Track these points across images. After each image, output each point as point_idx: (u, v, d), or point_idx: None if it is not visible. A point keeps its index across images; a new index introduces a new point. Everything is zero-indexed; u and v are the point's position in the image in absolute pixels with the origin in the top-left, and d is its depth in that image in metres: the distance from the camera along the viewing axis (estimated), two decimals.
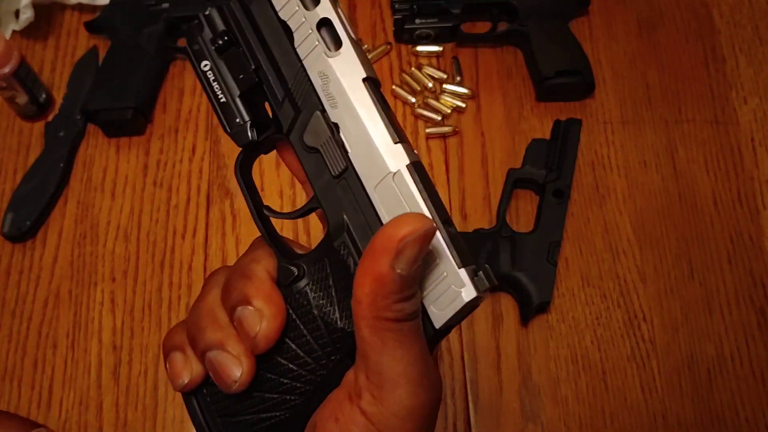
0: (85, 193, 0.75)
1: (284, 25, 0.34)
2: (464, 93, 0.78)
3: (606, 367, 0.67)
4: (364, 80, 0.32)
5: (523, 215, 0.73)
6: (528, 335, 0.68)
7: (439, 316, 0.31)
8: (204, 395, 0.35)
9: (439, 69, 0.80)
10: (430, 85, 0.78)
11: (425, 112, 0.77)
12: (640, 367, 0.67)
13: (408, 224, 0.29)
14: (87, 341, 0.69)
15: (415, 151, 0.33)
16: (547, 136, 0.75)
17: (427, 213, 0.31)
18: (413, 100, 0.78)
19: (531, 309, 0.67)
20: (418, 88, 0.79)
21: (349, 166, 0.32)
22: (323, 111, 0.33)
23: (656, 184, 0.74)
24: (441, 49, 0.80)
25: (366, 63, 0.33)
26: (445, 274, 0.30)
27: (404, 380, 0.30)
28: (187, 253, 0.72)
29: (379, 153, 0.32)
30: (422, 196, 0.31)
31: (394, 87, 0.78)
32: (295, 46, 0.33)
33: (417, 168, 0.31)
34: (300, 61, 0.33)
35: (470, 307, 0.31)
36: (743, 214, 0.73)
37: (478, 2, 0.80)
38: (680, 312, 0.69)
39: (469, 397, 0.66)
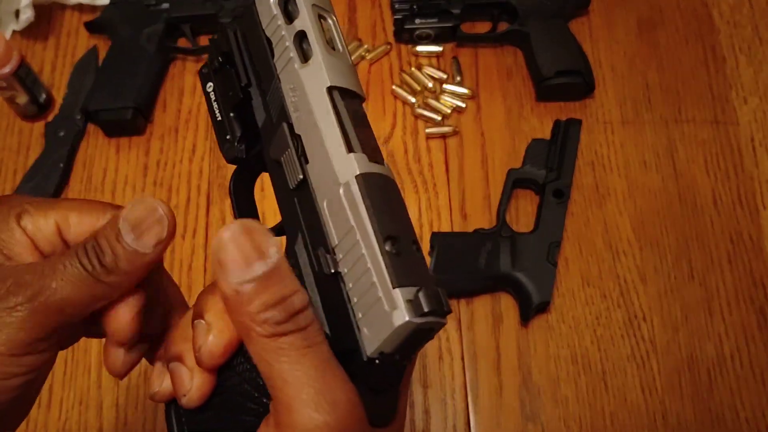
0: (85, 193, 0.75)
1: (268, 40, 0.33)
2: (464, 93, 0.78)
3: (606, 367, 0.67)
4: (328, 89, 0.31)
5: (523, 215, 0.73)
6: (528, 335, 0.68)
7: (371, 341, 0.28)
8: (179, 405, 0.35)
9: (439, 69, 0.80)
10: (430, 85, 0.78)
11: (425, 112, 0.77)
12: (640, 367, 0.67)
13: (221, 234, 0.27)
14: (87, 341, 0.69)
15: (383, 163, 0.31)
16: (547, 136, 0.76)
17: (369, 228, 0.28)
18: (413, 100, 0.78)
19: (531, 309, 0.67)
20: (418, 88, 0.79)
21: (306, 178, 0.31)
22: (290, 123, 0.32)
23: (656, 184, 0.74)
24: (441, 49, 0.80)
25: (338, 72, 0.31)
26: (380, 294, 0.28)
27: (297, 402, 0.27)
28: (187, 253, 0.72)
29: (331, 164, 0.30)
30: (366, 209, 0.28)
31: (394, 87, 0.79)
32: (274, 60, 0.33)
33: (367, 179, 0.29)
34: (276, 75, 0.33)
35: (411, 333, 0.27)
36: (743, 214, 0.73)
37: (478, 2, 0.80)
38: (680, 312, 0.69)
39: (469, 397, 0.66)
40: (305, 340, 0.28)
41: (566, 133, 0.74)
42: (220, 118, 0.35)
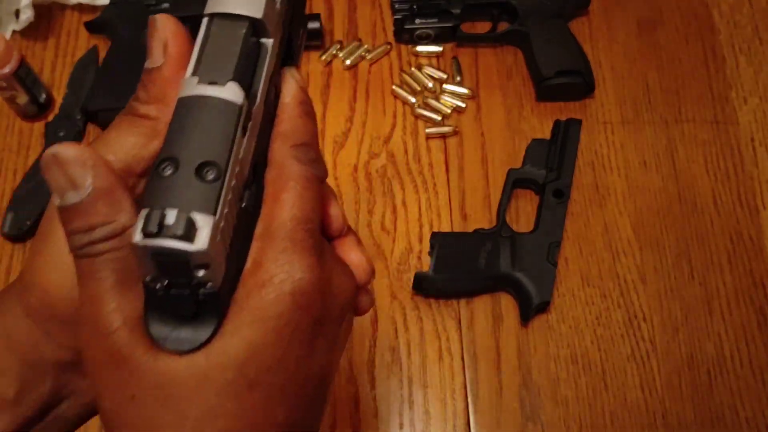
0: None
1: None
2: (464, 93, 0.78)
3: (606, 367, 0.67)
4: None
5: (523, 215, 0.73)
6: (528, 335, 0.68)
7: None
8: None
9: (439, 69, 0.80)
10: (430, 85, 0.78)
11: (425, 113, 0.77)
12: (640, 367, 0.67)
13: None
14: None
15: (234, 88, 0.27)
16: (547, 136, 0.76)
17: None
18: (413, 100, 0.78)
19: (531, 309, 0.67)
20: (418, 89, 0.79)
21: None
22: None
23: (656, 184, 0.74)
24: (441, 49, 0.80)
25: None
26: None
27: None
28: None
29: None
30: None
31: (394, 87, 0.79)
32: None
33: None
34: None
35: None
36: (743, 214, 0.73)
37: (478, 2, 0.80)
38: (680, 312, 0.69)
39: (469, 397, 0.66)
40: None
41: (566, 133, 0.74)
42: None
